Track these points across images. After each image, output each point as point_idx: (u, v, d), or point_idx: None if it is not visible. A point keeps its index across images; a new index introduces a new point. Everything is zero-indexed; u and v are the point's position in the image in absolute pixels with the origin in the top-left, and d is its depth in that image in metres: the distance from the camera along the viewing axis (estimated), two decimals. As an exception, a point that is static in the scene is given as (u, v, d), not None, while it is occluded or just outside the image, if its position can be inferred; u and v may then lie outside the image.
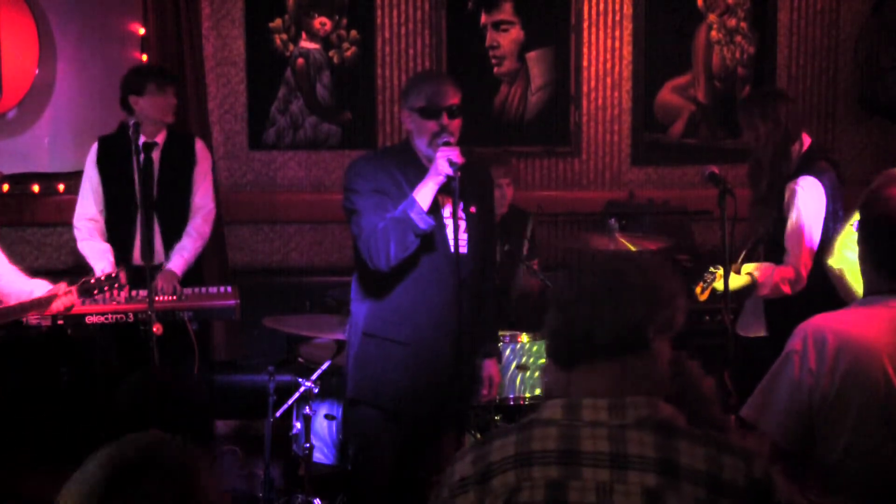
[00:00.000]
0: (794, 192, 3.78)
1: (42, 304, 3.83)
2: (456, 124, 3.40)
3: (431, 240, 3.37)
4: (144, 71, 4.59)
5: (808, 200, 3.76)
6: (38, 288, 3.90)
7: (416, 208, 3.27)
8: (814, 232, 3.76)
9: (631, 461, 1.58)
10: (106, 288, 3.94)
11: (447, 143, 3.30)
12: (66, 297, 3.84)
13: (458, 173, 3.24)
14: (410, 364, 3.44)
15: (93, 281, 3.90)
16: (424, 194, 3.29)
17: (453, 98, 3.39)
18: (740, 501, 1.58)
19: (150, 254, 3.91)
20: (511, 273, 4.79)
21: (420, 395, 3.46)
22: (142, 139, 4.28)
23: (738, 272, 3.78)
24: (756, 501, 1.59)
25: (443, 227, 3.40)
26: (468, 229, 3.41)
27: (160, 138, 4.49)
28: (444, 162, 3.25)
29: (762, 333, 3.88)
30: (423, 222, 3.27)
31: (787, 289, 3.75)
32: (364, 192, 3.38)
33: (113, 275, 3.96)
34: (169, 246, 4.47)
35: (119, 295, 4.18)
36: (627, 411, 1.63)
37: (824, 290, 3.63)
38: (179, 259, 4.42)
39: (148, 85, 4.43)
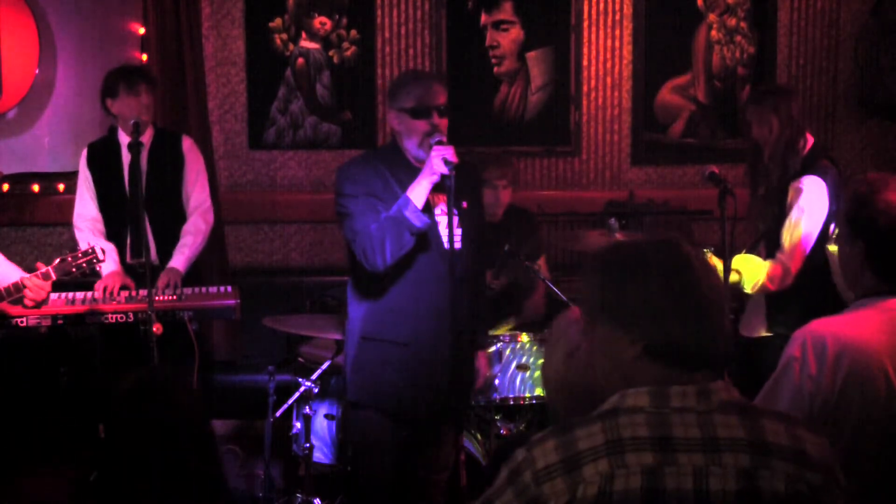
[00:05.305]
0: (798, 192, 3.78)
1: (18, 287, 3.80)
2: (444, 123, 3.39)
3: (426, 238, 3.36)
4: (115, 73, 4.51)
5: (812, 201, 3.76)
6: (15, 274, 3.87)
7: (410, 207, 3.25)
8: (812, 232, 3.76)
9: (722, 444, 1.62)
10: (84, 264, 3.90)
11: (441, 142, 3.28)
12: (42, 278, 3.82)
13: (454, 172, 3.23)
14: (410, 365, 3.43)
15: (69, 258, 3.88)
16: (419, 193, 3.28)
17: (441, 97, 3.39)
18: (822, 474, 1.65)
19: (142, 252, 3.89)
20: (513, 273, 4.78)
21: (420, 396, 3.45)
22: (127, 140, 4.26)
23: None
24: (833, 473, 1.67)
25: (435, 224, 3.39)
26: (461, 224, 3.39)
27: (146, 138, 4.46)
28: (440, 160, 3.23)
29: (764, 333, 3.88)
30: (418, 220, 3.26)
31: (771, 286, 3.75)
32: (356, 195, 3.37)
33: (90, 251, 3.94)
34: (161, 245, 4.45)
35: (119, 294, 4.18)
36: (712, 396, 1.66)
37: (825, 290, 3.62)
38: (181, 257, 4.41)
39: (119, 87, 4.39)
